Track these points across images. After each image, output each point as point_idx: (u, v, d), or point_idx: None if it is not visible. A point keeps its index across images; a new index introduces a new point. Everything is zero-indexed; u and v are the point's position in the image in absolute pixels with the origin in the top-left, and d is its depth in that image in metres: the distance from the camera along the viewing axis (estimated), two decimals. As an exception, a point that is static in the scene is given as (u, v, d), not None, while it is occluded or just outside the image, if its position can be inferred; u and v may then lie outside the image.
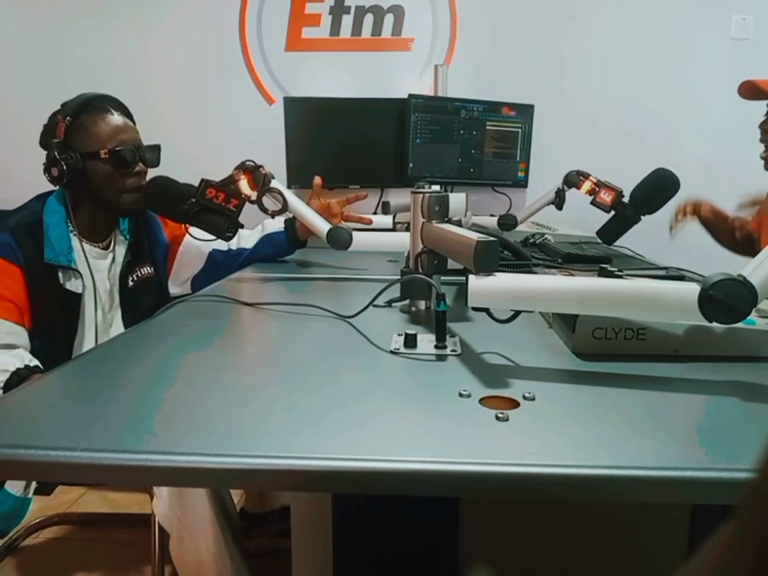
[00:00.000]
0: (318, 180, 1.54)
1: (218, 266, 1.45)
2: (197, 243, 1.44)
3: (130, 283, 1.37)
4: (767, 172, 1.43)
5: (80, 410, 0.60)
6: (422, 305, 0.98)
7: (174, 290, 1.48)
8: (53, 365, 0.72)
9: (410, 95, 2.20)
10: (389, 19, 2.48)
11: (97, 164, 1.26)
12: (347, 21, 2.49)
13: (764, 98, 1.38)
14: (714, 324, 0.63)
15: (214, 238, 1.26)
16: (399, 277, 0.95)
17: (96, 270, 1.30)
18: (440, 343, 0.77)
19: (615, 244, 1.51)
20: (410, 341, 0.77)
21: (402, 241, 1.18)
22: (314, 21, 2.49)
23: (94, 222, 1.32)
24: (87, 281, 1.27)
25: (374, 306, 0.92)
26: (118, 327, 1.35)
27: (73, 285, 1.25)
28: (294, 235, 1.44)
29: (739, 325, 0.65)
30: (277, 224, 1.46)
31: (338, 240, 1.26)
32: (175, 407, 0.60)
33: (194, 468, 0.49)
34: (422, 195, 0.94)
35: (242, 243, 1.47)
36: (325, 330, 0.89)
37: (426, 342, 0.78)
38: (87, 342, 1.29)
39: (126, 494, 1.78)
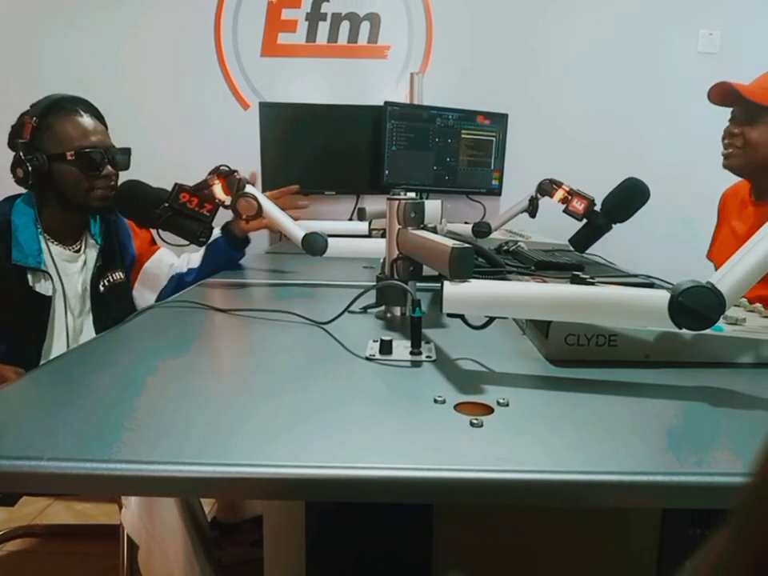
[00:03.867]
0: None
1: (181, 286, 1.43)
2: (161, 263, 1.44)
3: (101, 288, 1.34)
4: (725, 170, 1.47)
5: (47, 417, 0.58)
6: (398, 311, 0.98)
7: (137, 302, 1.45)
8: (22, 369, 0.70)
9: (385, 102, 2.21)
10: (365, 26, 2.49)
11: (63, 165, 1.24)
12: (323, 27, 2.49)
13: (733, 101, 1.41)
14: (684, 330, 0.64)
15: (186, 243, 1.24)
16: (375, 283, 0.95)
17: (66, 273, 1.28)
18: (415, 349, 0.77)
19: (587, 252, 1.53)
20: (386, 347, 0.77)
21: (377, 247, 1.18)
22: (290, 27, 2.49)
23: (63, 224, 1.30)
24: (57, 283, 1.24)
25: (350, 312, 0.92)
26: (89, 333, 1.32)
27: (42, 287, 1.23)
28: (233, 235, 1.42)
29: (708, 331, 0.67)
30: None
31: (313, 246, 1.25)
32: (146, 414, 0.59)
33: (164, 477, 0.48)
34: (398, 202, 0.94)
35: (191, 263, 1.45)
36: (299, 337, 0.88)
37: (402, 348, 0.78)
38: (57, 346, 1.26)
39: (93, 505, 1.74)
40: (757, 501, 0.23)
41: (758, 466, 0.23)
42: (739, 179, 1.55)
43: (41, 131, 1.23)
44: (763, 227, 0.65)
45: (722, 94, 1.42)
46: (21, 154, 1.21)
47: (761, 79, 1.41)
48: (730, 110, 1.45)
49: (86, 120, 1.27)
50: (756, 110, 1.37)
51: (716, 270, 1.57)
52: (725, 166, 1.46)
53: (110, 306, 1.34)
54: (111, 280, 1.37)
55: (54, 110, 1.25)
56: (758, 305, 0.91)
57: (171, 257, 1.49)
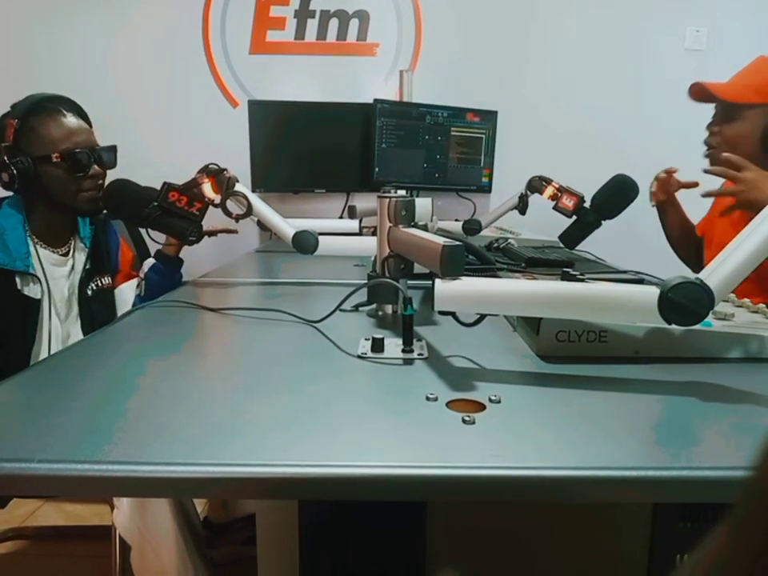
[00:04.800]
0: None
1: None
2: (130, 290, 1.42)
3: (89, 292, 1.33)
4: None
5: (37, 419, 0.58)
6: (389, 309, 0.98)
7: None
8: (10, 373, 0.69)
9: (375, 100, 2.21)
10: (354, 24, 2.49)
11: (49, 168, 1.22)
12: (312, 25, 2.48)
13: (712, 100, 1.42)
14: (673, 326, 0.65)
15: (176, 242, 1.24)
16: (366, 281, 0.95)
17: (54, 277, 1.27)
18: (407, 347, 0.77)
19: (577, 248, 1.54)
20: (377, 345, 0.77)
21: (368, 245, 1.18)
22: (278, 24, 2.48)
23: (51, 227, 1.29)
24: (45, 286, 1.23)
25: (341, 310, 0.92)
26: (77, 337, 1.31)
27: (31, 290, 1.21)
28: (167, 258, 1.40)
29: (697, 327, 0.67)
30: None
31: (304, 244, 1.25)
32: (136, 415, 0.58)
33: (156, 478, 0.47)
34: (388, 200, 0.94)
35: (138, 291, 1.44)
36: (291, 335, 0.88)
37: (393, 346, 0.78)
38: (46, 350, 1.25)
39: (84, 506, 1.73)
40: (757, 497, 0.22)
41: (758, 460, 0.23)
42: None
43: (24, 133, 1.20)
44: (750, 224, 0.65)
45: (700, 93, 1.42)
46: (5, 157, 1.19)
47: (737, 77, 1.41)
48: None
49: (70, 120, 1.25)
50: (731, 108, 1.37)
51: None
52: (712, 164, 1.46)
53: (97, 310, 1.33)
54: (99, 284, 1.36)
55: (36, 111, 1.22)
56: (747, 300, 0.92)
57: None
